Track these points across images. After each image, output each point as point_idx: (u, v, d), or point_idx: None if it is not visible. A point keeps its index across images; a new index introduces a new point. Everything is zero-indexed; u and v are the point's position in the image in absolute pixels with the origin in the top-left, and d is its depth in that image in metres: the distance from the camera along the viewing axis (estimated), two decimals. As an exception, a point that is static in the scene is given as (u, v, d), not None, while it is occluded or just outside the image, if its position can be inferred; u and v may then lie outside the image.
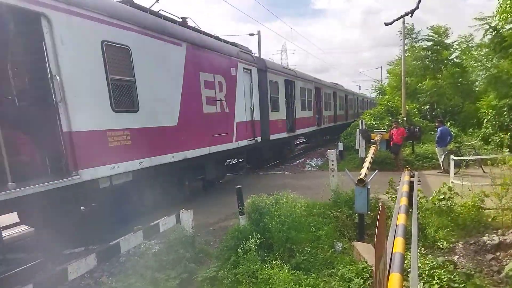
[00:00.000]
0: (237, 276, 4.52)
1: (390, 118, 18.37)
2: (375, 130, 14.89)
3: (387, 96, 26.97)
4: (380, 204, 2.76)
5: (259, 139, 12.79)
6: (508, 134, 13.66)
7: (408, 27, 23.83)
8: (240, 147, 11.47)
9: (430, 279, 4.40)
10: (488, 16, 16.47)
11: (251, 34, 27.33)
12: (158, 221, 5.32)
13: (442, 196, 6.84)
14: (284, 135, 15.30)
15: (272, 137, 14.03)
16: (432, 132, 18.70)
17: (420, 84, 23.22)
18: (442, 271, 4.49)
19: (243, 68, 11.70)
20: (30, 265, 5.26)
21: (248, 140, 12.02)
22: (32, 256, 5.73)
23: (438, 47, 23.91)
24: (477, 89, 21.94)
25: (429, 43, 24.37)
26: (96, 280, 4.80)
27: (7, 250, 6.23)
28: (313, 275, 4.55)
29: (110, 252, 4.56)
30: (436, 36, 23.91)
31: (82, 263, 4.11)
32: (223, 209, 8.22)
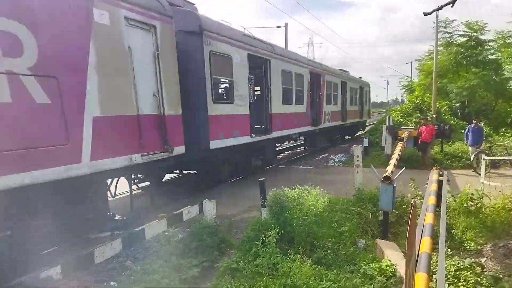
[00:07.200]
0: (257, 268, 4.54)
1: (419, 115, 17.89)
2: (402, 127, 14.55)
3: (416, 93, 26.23)
4: (412, 202, 2.70)
5: (178, 149, 7.13)
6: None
7: (444, 20, 22.91)
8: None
9: (455, 281, 4.29)
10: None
11: (278, 27, 27.26)
12: (181, 209, 5.42)
13: (470, 196, 6.64)
14: (246, 139, 10.09)
15: (217, 144, 8.68)
16: (462, 131, 18.15)
17: (452, 83, 22.41)
18: (469, 273, 4.36)
19: (131, 19, 6.02)
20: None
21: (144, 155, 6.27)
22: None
23: (473, 43, 23.00)
24: (511, 86, 21.07)
25: (463, 39, 23.48)
26: (121, 264, 4.93)
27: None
28: (334, 270, 4.51)
29: (135, 237, 4.68)
30: (471, 31, 23.00)
31: (108, 248, 4.24)
32: (245, 201, 8.26)
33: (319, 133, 16.65)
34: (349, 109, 21.10)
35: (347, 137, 23.81)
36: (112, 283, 4.56)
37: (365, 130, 26.29)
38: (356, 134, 25.55)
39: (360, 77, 25.69)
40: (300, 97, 13.95)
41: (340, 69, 21.30)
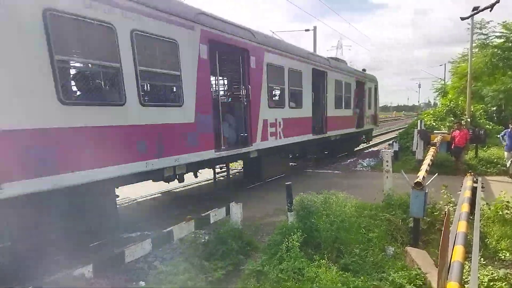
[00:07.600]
0: (282, 272, 4.52)
1: (453, 119, 17.29)
2: (435, 131, 14.12)
3: (449, 96, 25.37)
4: (446, 209, 2.63)
5: None
6: None
7: (480, 21, 22.03)
8: None
9: (489, 292, 4.13)
10: None
11: (307, 30, 27.24)
12: (209, 212, 5.49)
13: (506, 204, 6.36)
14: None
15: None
16: (498, 135, 17.45)
17: (487, 86, 21.53)
18: (504, 284, 4.18)
19: None
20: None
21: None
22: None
23: (511, 45, 22.00)
24: None
25: (500, 41, 22.50)
26: (149, 264, 5.03)
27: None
28: (361, 277, 4.43)
29: (164, 238, 4.78)
30: (508, 32, 22.02)
31: (138, 248, 4.35)
32: (270, 205, 8.25)
33: (260, 158, 9.88)
34: (334, 115, 14.03)
35: (342, 153, 17.42)
36: (141, 282, 4.67)
37: (370, 142, 21.21)
38: (357, 148, 19.50)
39: (364, 70, 18.91)
40: (169, 91, 7.19)
41: (333, 58, 15.76)
